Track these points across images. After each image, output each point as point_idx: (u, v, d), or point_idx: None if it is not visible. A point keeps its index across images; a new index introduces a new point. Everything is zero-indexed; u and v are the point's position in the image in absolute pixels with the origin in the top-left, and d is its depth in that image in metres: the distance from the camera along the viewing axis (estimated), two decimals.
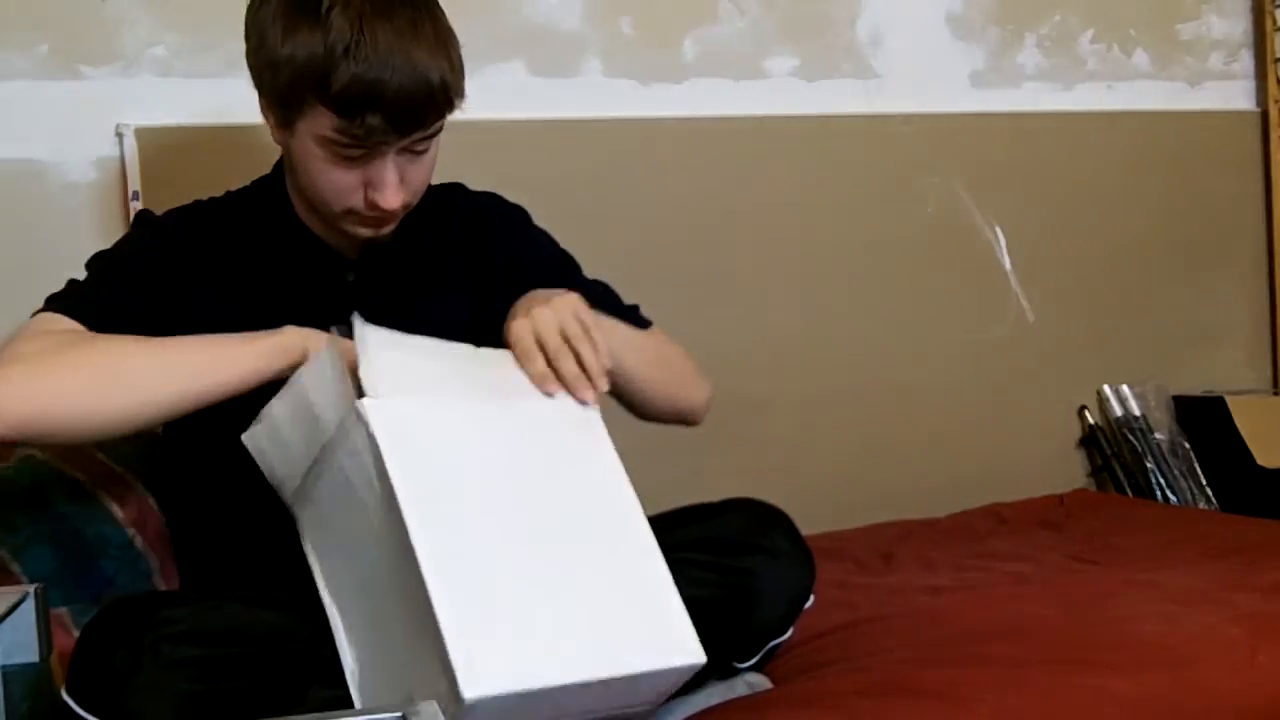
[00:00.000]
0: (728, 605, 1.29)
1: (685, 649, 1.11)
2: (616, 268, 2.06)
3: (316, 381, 1.11)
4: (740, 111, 2.20)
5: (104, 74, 1.84)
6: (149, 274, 1.34)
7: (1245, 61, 2.58)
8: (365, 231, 1.34)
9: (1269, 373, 2.59)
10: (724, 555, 1.30)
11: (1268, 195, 2.56)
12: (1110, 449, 2.41)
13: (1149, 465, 2.38)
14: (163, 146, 1.84)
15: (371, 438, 1.05)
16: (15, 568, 1.37)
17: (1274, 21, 2.54)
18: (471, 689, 0.98)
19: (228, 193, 1.47)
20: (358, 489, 1.08)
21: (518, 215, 1.54)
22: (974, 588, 1.73)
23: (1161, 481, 2.37)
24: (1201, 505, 2.36)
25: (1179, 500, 2.35)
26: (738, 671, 1.37)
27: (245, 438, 1.17)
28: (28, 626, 1.04)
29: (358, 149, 1.24)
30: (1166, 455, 2.39)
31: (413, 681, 1.04)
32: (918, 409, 2.31)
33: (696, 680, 1.33)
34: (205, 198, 1.46)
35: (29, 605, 1.05)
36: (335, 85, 1.19)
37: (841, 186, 2.26)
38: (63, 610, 1.35)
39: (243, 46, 1.89)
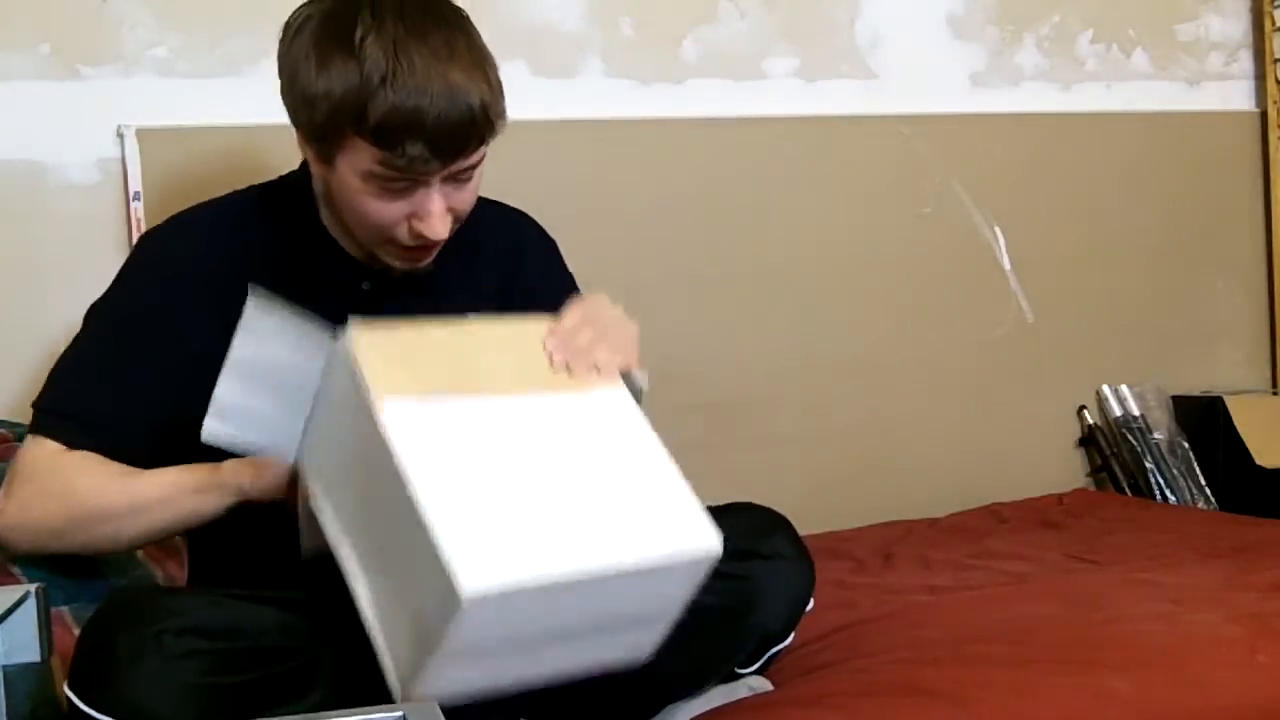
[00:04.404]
0: (730, 612, 1.28)
1: (700, 538, 1.04)
2: (616, 268, 2.06)
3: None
4: (740, 111, 2.20)
5: (105, 74, 1.84)
6: (148, 325, 1.33)
7: (1244, 62, 2.58)
8: (403, 265, 1.31)
9: (1268, 373, 2.59)
10: (725, 561, 1.29)
11: (1267, 195, 2.56)
12: (1109, 449, 2.41)
13: (1148, 465, 2.38)
14: (164, 147, 1.84)
15: (347, 352, 1.04)
16: (16, 570, 1.37)
17: (1273, 22, 2.54)
18: (470, 584, 0.91)
19: (250, 187, 1.43)
20: (345, 409, 1.06)
21: (551, 245, 1.52)
22: (973, 587, 1.73)
23: (1160, 481, 2.37)
24: (1200, 505, 2.36)
25: (1178, 500, 2.35)
26: (739, 676, 1.37)
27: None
28: (28, 626, 1.04)
29: (401, 180, 1.21)
30: (1165, 455, 2.39)
31: (418, 601, 0.99)
32: (917, 409, 2.31)
33: (698, 685, 1.34)
34: (223, 195, 1.43)
35: (29, 605, 1.05)
36: (374, 117, 1.17)
37: (841, 187, 2.26)
38: (64, 609, 1.35)
39: (242, 48, 1.91)
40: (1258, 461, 2.27)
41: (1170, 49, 2.52)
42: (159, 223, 1.40)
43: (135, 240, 1.56)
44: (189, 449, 1.24)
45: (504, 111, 1.25)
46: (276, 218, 1.38)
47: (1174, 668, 1.36)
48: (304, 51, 1.21)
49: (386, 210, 1.24)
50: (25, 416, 1.69)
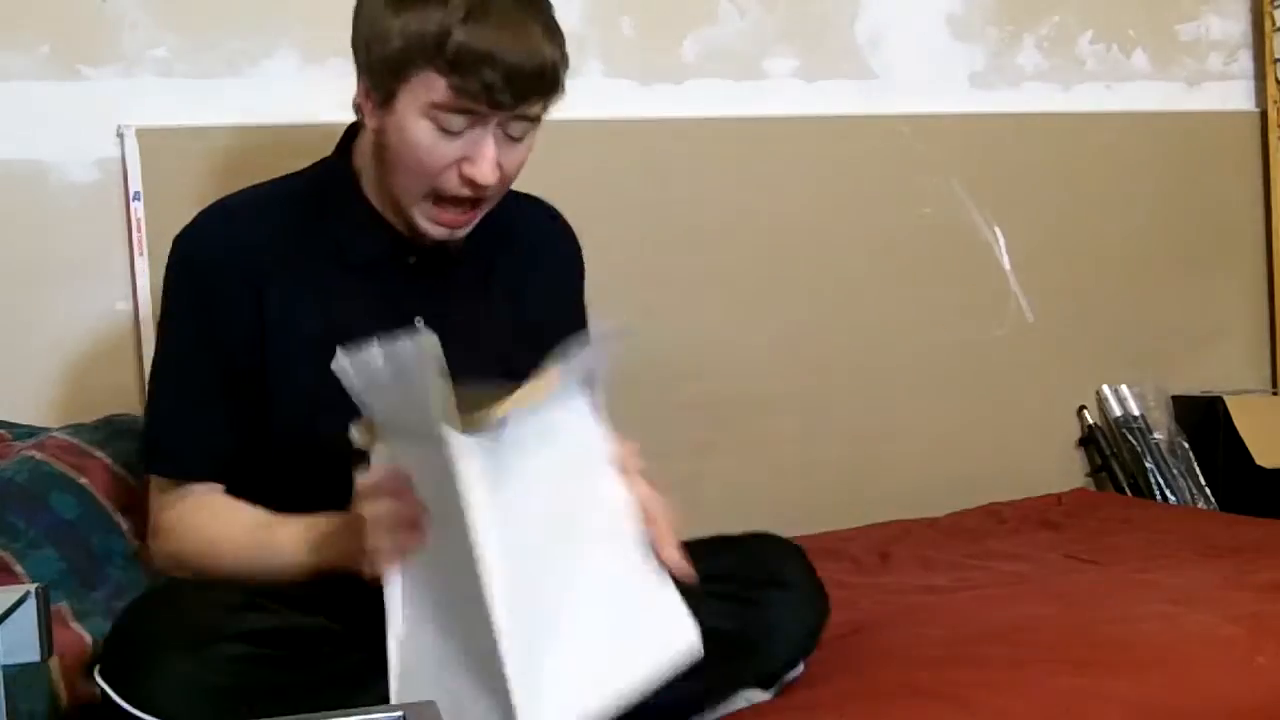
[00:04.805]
0: (744, 638, 1.29)
1: (690, 644, 1.15)
2: (617, 268, 2.06)
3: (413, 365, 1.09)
4: (740, 111, 2.20)
5: (105, 75, 1.84)
6: (209, 322, 1.34)
7: (1244, 62, 2.58)
8: (439, 231, 1.32)
9: (1268, 373, 2.59)
10: (741, 588, 1.31)
11: (1267, 195, 2.56)
12: (1109, 449, 2.41)
13: (1148, 465, 2.38)
14: (164, 147, 1.84)
15: (452, 471, 1.05)
16: (19, 569, 1.37)
17: (1273, 22, 2.54)
18: None
19: (286, 176, 1.44)
20: (445, 490, 1.06)
21: (578, 248, 1.55)
22: (972, 587, 1.73)
23: (1160, 481, 2.37)
24: (1200, 505, 2.36)
25: (1178, 500, 2.35)
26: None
27: (335, 365, 1.11)
28: (28, 626, 1.04)
29: (462, 117, 1.24)
30: (1165, 455, 2.39)
31: (461, 696, 1.05)
32: (917, 409, 2.31)
33: (701, 709, 1.33)
34: (252, 185, 1.43)
35: (29, 605, 1.05)
36: (451, 47, 1.20)
37: (841, 186, 2.26)
38: (63, 605, 1.35)
39: (242, 48, 1.91)
40: (1258, 461, 2.27)
41: (1170, 49, 2.52)
42: (190, 220, 1.40)
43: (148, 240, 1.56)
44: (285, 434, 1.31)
45: (565, 86, 1.29)
46: (316, 196, 1.39)
47: (1174, 668, 1.36)
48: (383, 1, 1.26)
49: (440, 151, 1.26)
50: (25, 416, 1.70)
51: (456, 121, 1.24)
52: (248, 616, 1.15)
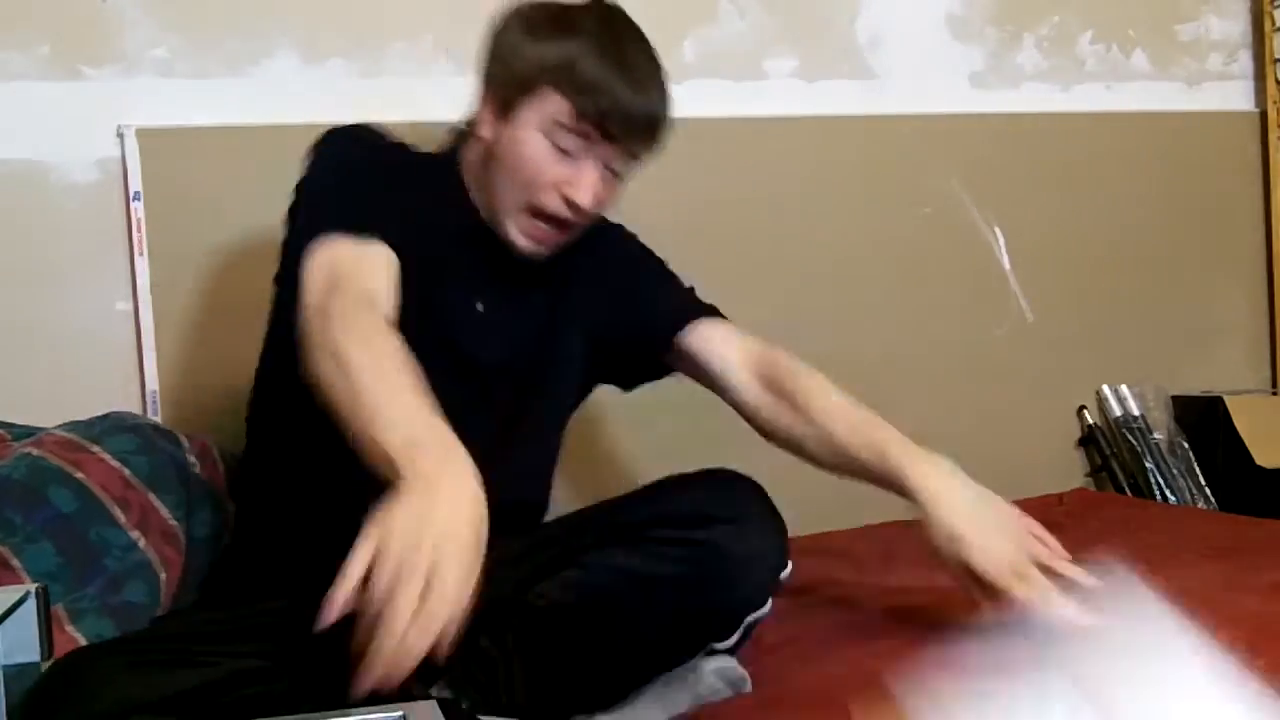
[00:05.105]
0: (700, 581, 1.25)
1: None
2: None
3: None
4: (740, 111, 2.20)
5: (105, 75, 1.85)
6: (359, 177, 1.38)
7: (1244, 62, 2.58)
8: (527, 244, 1.39)
9: (1268, 373, 2.59)
10: (691, 528, 1.26)
11: (1266, 195, 2.56)
12: (1109, 449, 2.41)
13: (1148, 465, 2.38)
14: (164, 147, 1.84)
15: None
16: (16, 563, 1.37)
17: (1273, 22, 2.54)
18: None
19: (401, 143, 1.47)
20: None
21: (635, 250, 1.65)
22: None
23: (1160, 481, 2.37)
24: (1200, 505, 2.36)
25: (1178, 500, 2.35)
26: (713, 654, 1.32)
27: None
28: (28, 626, 1.04)
29: (578, 138, 1.33)
30: (1165, 455, 2.39)
31: None
32: (917, 409, 2.30)
33: (670, 663, 1.29)
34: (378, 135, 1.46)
35: (29, 605, 1.05)
36: (583, 73, 1.31)
37: (841, 186, 2.26)
38: (58, 606, 1.35)
39: (242, 48, 1.91)
40: (1258, 461, 2.27)
41: (1170, 49, 2.52)
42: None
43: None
44: None
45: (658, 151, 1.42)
46: (429, 176, 1.45)
47: None
48: (521, 20, 1.38)
49: (547, 169, 1.34)
50: (24, 416, 1.70)
51: (571, 141, 1.33)
52: (151, 679, 1.12)
